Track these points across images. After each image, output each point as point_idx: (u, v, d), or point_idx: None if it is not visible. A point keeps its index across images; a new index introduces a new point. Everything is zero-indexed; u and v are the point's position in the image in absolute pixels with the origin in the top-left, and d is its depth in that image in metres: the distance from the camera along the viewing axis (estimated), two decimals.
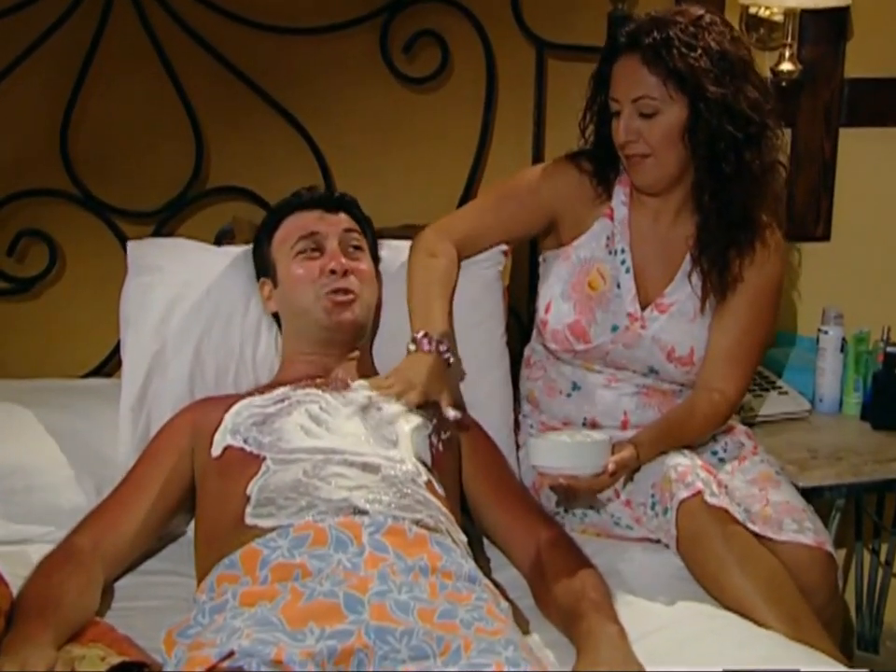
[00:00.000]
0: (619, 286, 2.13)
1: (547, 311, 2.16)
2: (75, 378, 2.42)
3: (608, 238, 2.15)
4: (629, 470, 2.00)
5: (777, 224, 2.13)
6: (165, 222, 2.42)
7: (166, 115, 2.38)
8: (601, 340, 2.12)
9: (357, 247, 2.11)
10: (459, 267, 2.20)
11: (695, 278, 2.10)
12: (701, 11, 2.02)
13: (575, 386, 2.18)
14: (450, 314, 2.14)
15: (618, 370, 2.15)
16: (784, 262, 2.19)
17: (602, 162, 2.13)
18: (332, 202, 2.14)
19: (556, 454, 1.92)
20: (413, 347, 2.05)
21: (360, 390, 1.99)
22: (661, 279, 2.13)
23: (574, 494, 2.00)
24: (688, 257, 2.11)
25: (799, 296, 2.70)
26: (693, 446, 2.11)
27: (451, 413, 1.97)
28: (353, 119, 2.46)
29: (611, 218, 2.15)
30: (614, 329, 2.12)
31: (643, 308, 2.12)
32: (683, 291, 2.12)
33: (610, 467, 1.92)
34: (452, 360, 2.06)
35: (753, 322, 2.10)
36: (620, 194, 2.15)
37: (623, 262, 2.13)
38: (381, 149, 2.48)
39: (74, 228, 2.40)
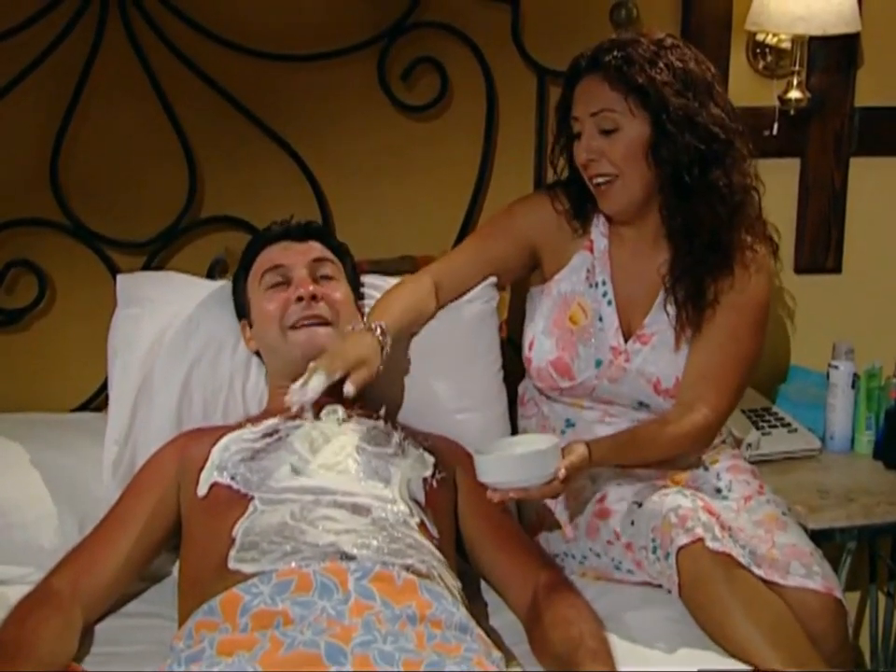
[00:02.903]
0: (601, 319, 2.09)
1: (530, 348, 2.12)
2: (64, 412, 2.36)
3: (587, 271, 2.10)
4: (584, 472, 1.93)
5: (764, 243, 2.06)
6: (157, 253, 2.37)
7: (159, 143, 2.34)
8: (585, 376, 2.08)
9: (328, 276, 2.06)
10: (438, 303, 2.13)
11: (671, 308, 2.04)
12: (663, 35, 2.01)
13: (569, 423, 2.13)
14: (405, 328, 2.06)
15: (608, 405, 2.10)
16: (770, 282, 2.10)
17: (577, 195, 2.09)
18: (299, 231, 2.09)
19: (503, 468, 1.83)
20: (360, 327, 1.97)
21: (355, 424, 1.93)
22: (641, 309, 2.08)
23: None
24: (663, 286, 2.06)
25: (809, 330, 2.65)
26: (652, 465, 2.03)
27: (349, 388, 1.86)
28: (350, 147, 2.42)
29: (591, 251, 2.11)
30: (598, 363, 2.08)
31: (626, 340, 2.07)
32: (662, 321, 2.06)
33: (561, 473, 1.84)
34: (387, 350, 1.95)
35: (733, 343, 2.02)
36: (599, 225, 2.11)
37: (604, 295, 2.09)
38: (379, 179, 2.44)
39: (64, 259, 2.36)
